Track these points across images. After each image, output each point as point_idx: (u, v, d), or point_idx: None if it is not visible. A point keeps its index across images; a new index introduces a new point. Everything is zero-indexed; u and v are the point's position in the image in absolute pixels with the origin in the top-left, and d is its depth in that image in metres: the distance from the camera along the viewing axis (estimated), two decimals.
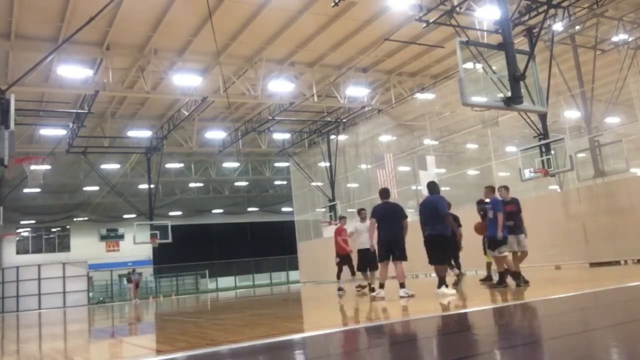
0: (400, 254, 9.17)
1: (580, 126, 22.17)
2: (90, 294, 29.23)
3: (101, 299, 32.81)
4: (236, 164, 36.08)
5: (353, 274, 12.41)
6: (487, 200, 10.24)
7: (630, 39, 18.34)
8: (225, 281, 40.59)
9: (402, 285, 9.14)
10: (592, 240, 14.83)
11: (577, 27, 17.77)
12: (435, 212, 8.94)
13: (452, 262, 12.11)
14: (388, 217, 9.30)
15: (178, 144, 27.22)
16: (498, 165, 22.69)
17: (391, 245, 9.20)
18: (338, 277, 13.04)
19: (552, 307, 6.43)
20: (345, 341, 4.98)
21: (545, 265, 15.54)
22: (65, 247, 39.69)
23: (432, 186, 9.34)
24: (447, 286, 8.89)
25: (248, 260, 41.74)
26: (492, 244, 9.60)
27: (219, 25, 14.97)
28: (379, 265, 9.57)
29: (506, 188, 10.24)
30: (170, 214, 39.40)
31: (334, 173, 26.34)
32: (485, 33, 16.50)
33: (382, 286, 9.39)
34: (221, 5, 15.82)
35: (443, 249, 9.03)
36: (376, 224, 9.40)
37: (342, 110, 25.56)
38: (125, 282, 29.50)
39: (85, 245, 38.78)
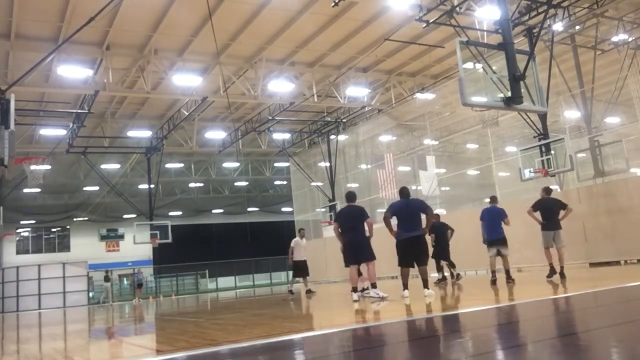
0: (366, 257, 9.15)
1: (580, 126, 22.17)
2: (90, 294, 29.21)
3: (104, 297, 32.73)
4: (236, 164, 36.09)
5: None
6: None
7: (630, 39, 18.34)
8: (225, 281, 40.56)
9: (373, 286, 9.12)
10: (591, 240, 14.83)
11: (577, 27, 17.77)
12: (419, 214, 8.91)
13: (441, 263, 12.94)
14: (350, 221, 9.23)
15: (178, 144, 27.22)
16: (498, 165, 22.70)
17: (357, 248, 9.14)
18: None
19: (552, 307, 6.43)
20: (345, 341, 4.98)
21: (545, 265, 15.52)
22: (65, 247, 39.66)
23: (407, 191, 9.22)
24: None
25: (248, 260, 41.72)
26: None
27: (219, 25, 14.96)
28: (349, 269, 9.36)
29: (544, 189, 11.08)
30: (170, 214, 39.40)
31: (334, 173, 26.33)
32: (485, 33, 16.49)
33: (354, 290, 9.23)
34: (221, 5, 15.82)
35: (427, 249, 8.99)
36: (340, 228, 9.32)
37: (342, 110, 25.56)
38: (104, 281, 29.29)
39: (85, 245, 38.75)
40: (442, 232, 13.29)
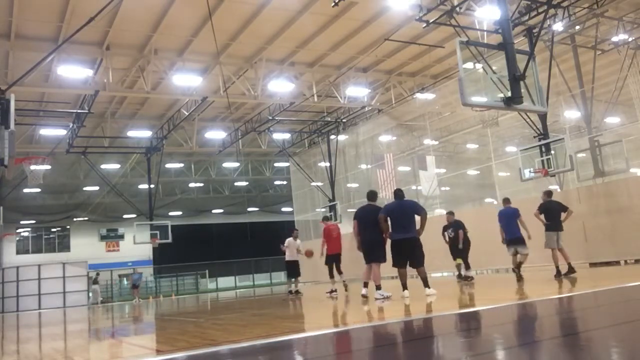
0: (376, 257, 9.15)
1: (580, 126, 22.17)
2: (90, 294, 29.23)
3: (101, 299, 32.79)
4: (236, 164, 36.09)
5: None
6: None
7: (630, 39, 18.34)
8: (225, 281, 40.60)
9: (377, 287, 9.11)
10: (592, 240, 14.82)
11: (577, 27, 17.77)
12: (412, 216, 8.98)
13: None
14: (367, 220, 9.29)
15: (178, 144, 27.23)
16: (498, 165, 22.71)
17: (368, 247, 9.21)
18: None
19: (552, 307, 6.43)
20: (345, 341, 4.98)
21: (545, 265, 15.53)
22: (65, 247, 39.68)
23: (401, 193, 9.34)
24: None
25: (248, 260, 41.74)
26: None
27: (219, 25, 14.96)
28: (366, 266, 9.43)
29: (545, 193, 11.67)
30: (170, 214, 39.41)
31: (334, 173, 26.34)
32: (485, 33, 16.49)
33: (365, 285, 9.37)
34: (221, 5, 15.82)
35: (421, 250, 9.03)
36: (357, 227, 9.42)
37: (342, 110, 25.56)
38: (92, 284, 29.22)
39: (85, 245, 38.77)
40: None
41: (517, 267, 11.14)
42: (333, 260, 12.77)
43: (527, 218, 11.21)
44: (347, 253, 16.99)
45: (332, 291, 12.44)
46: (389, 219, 9.02)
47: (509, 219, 11.27)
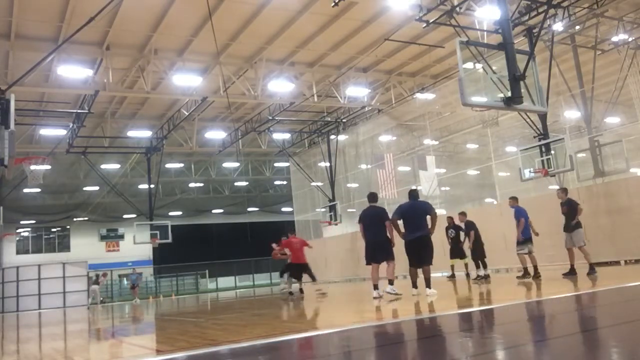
0: (385, 256, 9.27)
1: (580, 126, 22.17)
2: (91, 295, 29.16)
3: (101, 299, 32.77)
4: (236, 164, 36.10)
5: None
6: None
7: (630, 39, 18.34)
8: (225, 281, 40.57)
9: (390, 282, 9.27)
10: (592, 240, 14.78)
11: (577, 27, 17.77)
12: (424, 215, 9.14)
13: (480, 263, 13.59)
14: (372, 221, 9.46)
15: (178, 144, 27.23)
16: (498, 165, 22.70)
17: (375, 248, 9.32)
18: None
19: (552, 307, 6.43)
20: (345, 341, 4.98)
21: (545, 265, 15.51)
22: (65, 247, 39.65)
23: (415, 193, 9.54)
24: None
25: (248, 260, 41.73)
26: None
27: (219, 25, 14.96)
28: (371, 267, 9.48)
29: (562, 190, 11.75)
30: (170, 214, 39.40)
31: (334, 173, 26.33)
32: (485, 33, 16.49)
33: (375, 287, 9.35)
34: (221, 5, 15.82)
35: (432, 249, 9.17)
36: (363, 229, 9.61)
37: (342, 110, 25.56)
38: (92, 284, 29.08)
39: (85, 245, 38.75)
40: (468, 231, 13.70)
41: (535, 268, 11.40)
42: (296, 268, 13.89)
43: (535, 217, 11.48)
44: (348, 254, 17.00)
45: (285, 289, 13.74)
46: (402, 219, 9.19)
47: (527, 219, 11.46)
